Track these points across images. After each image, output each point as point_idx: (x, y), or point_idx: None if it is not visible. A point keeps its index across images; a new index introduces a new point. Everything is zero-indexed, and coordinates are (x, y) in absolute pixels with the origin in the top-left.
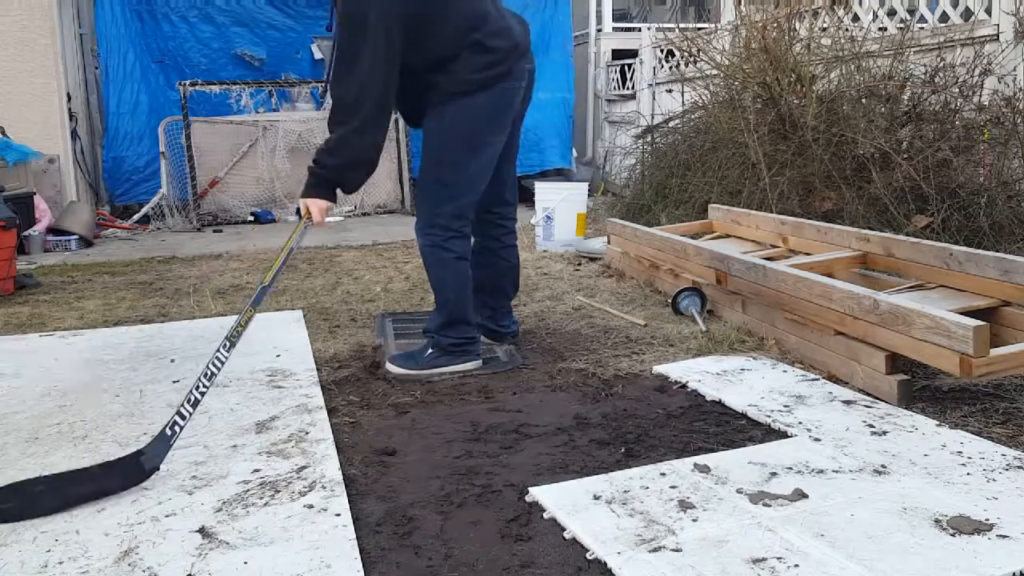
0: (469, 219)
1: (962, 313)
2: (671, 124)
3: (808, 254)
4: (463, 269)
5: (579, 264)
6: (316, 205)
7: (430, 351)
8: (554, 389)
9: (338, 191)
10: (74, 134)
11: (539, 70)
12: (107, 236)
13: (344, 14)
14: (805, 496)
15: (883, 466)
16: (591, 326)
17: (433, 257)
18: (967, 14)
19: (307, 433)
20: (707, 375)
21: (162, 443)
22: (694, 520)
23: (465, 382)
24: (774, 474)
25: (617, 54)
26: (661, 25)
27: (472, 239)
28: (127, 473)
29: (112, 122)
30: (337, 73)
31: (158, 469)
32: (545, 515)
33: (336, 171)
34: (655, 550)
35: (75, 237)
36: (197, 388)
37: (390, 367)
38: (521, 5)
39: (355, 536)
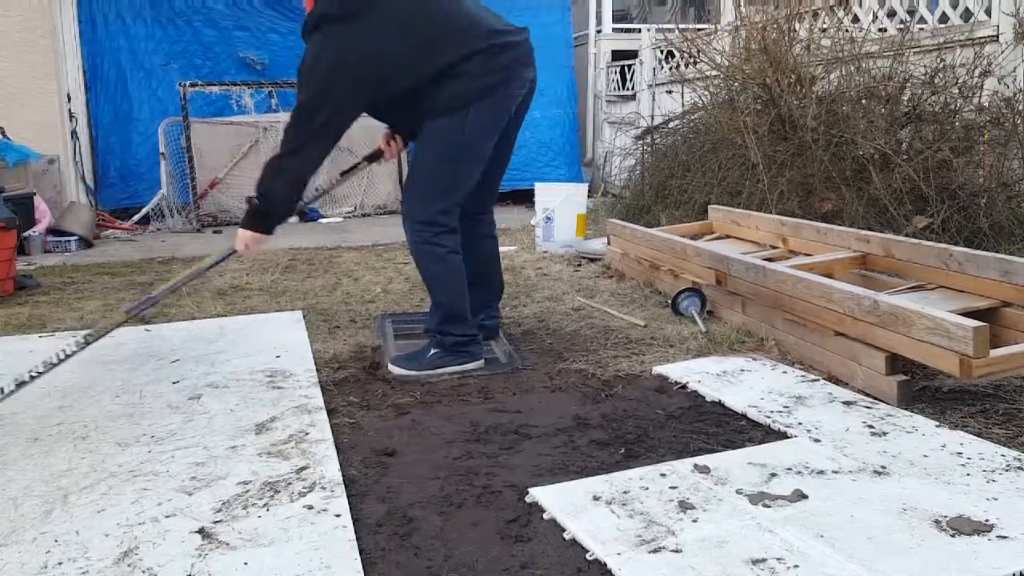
0: (456, 216)
1: (962, 314)
2: (671, 125)
3: (808, 255)
4: (456, 262)
5: (579, 265)
6: (244, 236)
7: (433, 351)
8: (554, 390)
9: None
10: (74, 135)
11: (550, 88)
12: (107, 237)
13: (307, 66)
14: (805, 497)
15: (883, 467)
16: (591, 327)
17: (425, 253)
18: (967, 15)
19: (307, 434)
20: (707, 376)
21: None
22: (694, 521)
23: (465, 383)
24: (774, 475)
25: (617, 55)
26: (661, 26)
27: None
28: None
29: (103, 126)
30: (295, 119)
31: None
32: (545, 516)
33: (266, 200)
34: (655, 551)
35: (75, 238)
36: (31, 371)
37: (392, 368)
38: (533, 24)
39: (355, 537)
